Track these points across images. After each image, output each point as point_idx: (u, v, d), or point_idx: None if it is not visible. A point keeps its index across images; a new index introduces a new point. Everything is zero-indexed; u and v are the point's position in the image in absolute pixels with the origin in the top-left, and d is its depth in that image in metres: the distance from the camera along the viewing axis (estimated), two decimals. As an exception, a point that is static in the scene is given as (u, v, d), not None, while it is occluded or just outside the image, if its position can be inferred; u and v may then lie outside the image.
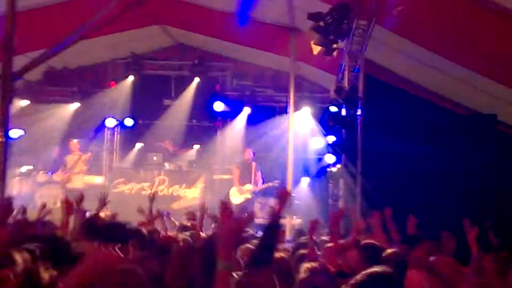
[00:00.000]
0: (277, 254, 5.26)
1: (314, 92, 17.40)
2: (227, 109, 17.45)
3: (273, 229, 4.82)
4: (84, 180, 16.03)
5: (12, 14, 8.90)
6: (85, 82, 18.30)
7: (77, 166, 15.84)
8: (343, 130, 13.01)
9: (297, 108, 15.93)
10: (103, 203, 8.17)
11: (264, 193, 15.85)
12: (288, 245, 7.89)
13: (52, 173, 16.10)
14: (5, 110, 8.62)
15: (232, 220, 4.83)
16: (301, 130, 17.13)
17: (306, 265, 4.86)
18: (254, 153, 15.87)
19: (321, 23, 10.29)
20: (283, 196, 4.82)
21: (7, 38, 8.82)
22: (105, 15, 11.89)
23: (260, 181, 15.47)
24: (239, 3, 13.23)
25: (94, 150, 16.87)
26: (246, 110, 17.71)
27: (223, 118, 17.89)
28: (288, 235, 12.69)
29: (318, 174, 16.61)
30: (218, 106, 17.24)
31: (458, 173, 11.88)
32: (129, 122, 17.86)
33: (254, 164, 15.53)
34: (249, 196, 15.20)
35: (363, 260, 5.27)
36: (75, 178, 15.84)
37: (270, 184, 15.48)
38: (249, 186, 15.24)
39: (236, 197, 15.21)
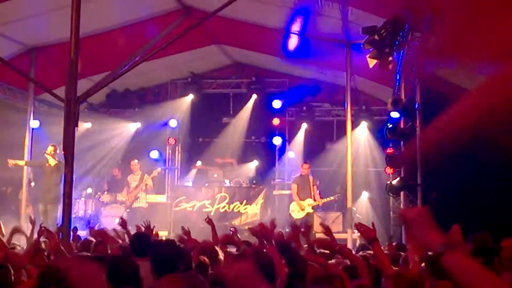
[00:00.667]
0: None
1: (372, 105, 17.37)
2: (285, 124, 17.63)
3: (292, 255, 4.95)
4: (147, 199, 16.41)
5: (75, 39, 9.18)
6: (146, 103, 18.74)
7: (141, 185, 16.23)
8: (402, 142, 12.98)
9: (354, 121, 15.93)
10: (148, 230, 8.16)
11: (324, 207, 15.87)
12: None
13: (116, 193, 16.54)
14: (70, 133, 8.90)
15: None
16: (360, 143, 17.14)
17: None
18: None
19: (376, 37, 10.35)
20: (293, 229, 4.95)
21: (71, 63, 9.12)
22: (165, 38, 12.28)
23: (318, 194, 15.41)
24: (292, 21, 13.38)
25: (157, 168, 17.22)
26: (304, 125, 17.82)
27: (281, 134, 18.02)
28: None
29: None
30: (276, 122, 17.45)
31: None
32: (188, 140, 18.26)
33: (311, 178, 15.51)
34: (310, 210, 15.17)
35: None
36: (140, 198, 16.26)
37: (331, 198, 15.49)
38: (309, 201, 15.22)
39: (297, 212, 15.23)
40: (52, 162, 14.15)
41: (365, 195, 17.01)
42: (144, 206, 16.29)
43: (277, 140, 17.86)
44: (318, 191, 15.48)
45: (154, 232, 8.41)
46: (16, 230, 8.86)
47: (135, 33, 13.97)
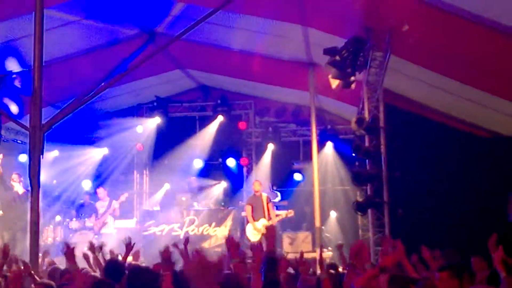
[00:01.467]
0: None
1: (337, 124, 17.60)
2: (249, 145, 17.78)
3: (270, 264, 5.03)
4: (115, 225, 16.33)
5: (39, 67, 9.19)
6: (112, 128, 18.69)
7: (109, 210, 16.16)
8: (367, 160, 13.14)
9: (320, 140, 16.12)
10: (129, 248, 8.24)
11: (293, 227, 15.92)
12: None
13: (85, 219, 16.43)
14: (36, 161, 8.88)
15: None
16: (327, 162, 17.33)
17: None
18: (272, 186, 15.82)
19: (337, 57, 10.54)
20: (269, 232, 5.05)
21: (34, 90, 9.11)
22: (129, 63, 12.34)
23: (274, 213, 14.99)
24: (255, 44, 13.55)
25: (125, 193, 17.16)
26: (271, 146, 17.97)
27: (249, 155, 18.14)
28: (317, 268, 12.74)
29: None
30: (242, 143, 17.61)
31: (482, 196, 11.92)
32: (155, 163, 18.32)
33: (264, 196, 15.09)
34: (264, 231, 14.47)
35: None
36: (109, 223, 16.18)
37: (283, 215, 15.16)
38: (263, 221, 14.81)
39: (253, 235, 14.87)
40: (20, 190, 14.03)
41: (333, 214, 17.16)
42: (113, 231, 16.19)
43: (244, 162, 17.97)
44: (274, 209, 15.17)
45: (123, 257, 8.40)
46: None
47: (100, 59, 13.98)
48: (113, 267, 6.57)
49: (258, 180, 15.71)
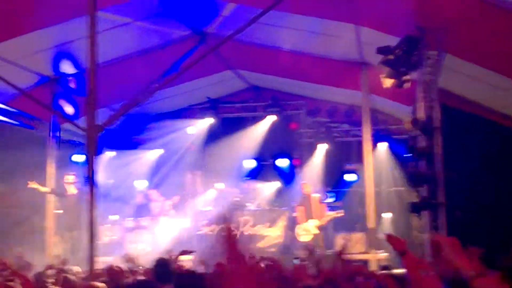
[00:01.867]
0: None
1: (390, 124, 17.36)
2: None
3: None
4: (169, 225, 16.49)
5: (93, 69, 9.34)
6: (164, 129, 18.90)
7: (163, 211, 16.37)
8: (422, 161, 12.91)
9: (374, 141, 15.92)
10: (185, 252, 8.26)
11: (346, 228, 15.77)
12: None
13: (139, 219, 16.66)
14: (92, 162, 9.02)
15: None
16: (380, 163, 17.11)
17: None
18: (324, 188, 15.76)
19: (391, 56, 10.38)
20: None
21: (89, 92, 9.27)
22: (181, 64, 12.44)
23: (325, 213, 15.09)
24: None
25: (179, 194, 17.33)
26: (323, 146, 17.83)
27: (301, 156, 18.05)
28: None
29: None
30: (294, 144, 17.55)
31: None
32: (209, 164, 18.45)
33: (315, 197, 15.24)
34: (316, 231, 14.89)
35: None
36: (162, 223, 16.36)
37: (333, 215, 15.17)
38: (314, 222, 14.97)
39: (304, 236, 15.03)
40: (73, 190, 14.29)
41: (387, 215, 16.93)
42: (167, 231, 16.37)
43: (296, 162, 17.91)
44: (326, 210, 15.22)
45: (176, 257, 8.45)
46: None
47: (151, 60, 14.14)
48: (162, 268, 6.63)
49: (306, 182, 15.78)
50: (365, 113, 14.56)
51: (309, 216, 15.03)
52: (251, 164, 18.51)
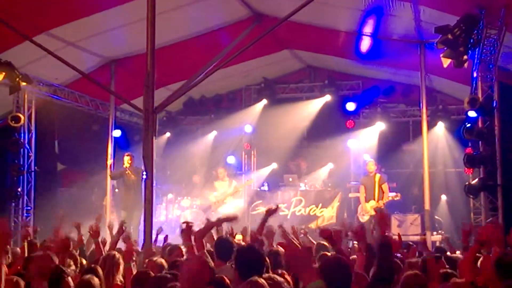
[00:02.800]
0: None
1: (448, 104, 17.08)
2: (358, 126, 17.57)
3: (384, 248, 4.98)
4: (226, 204, 16.75)
5: (151, 51, 9.52)
6: (222, 109, 19.10)
7: (230, 191, 16.62)
8: (480, 142, 12.71)
9: (431, 121, 15.72)
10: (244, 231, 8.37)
11: (402, 209, 15.66)
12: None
13: (194, 198, 16.94)
14: (149, 142, 9.23)
15: None
16: (437, 144, 16.88)
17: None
18: (380, 168, 15.65)
19: (449, 36, 10.20)
20: (382, 219, 4.99)
21: (147, 74, 9.45)
22: (238, 45, 12.53)
23: (387, 194, 14.95)
24: (364, 23, 13.36)
25: (234, 174, 17.55)
26: (379, 126, 17.68)
27: (355, 136, 17.94)
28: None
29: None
30: (350, 124, 17.41)
31: None
32: (263, 144, 18.59)
33: (378, 177, 15.09)
34: (373, 213, 14.70)
35: (498, 274, 5.18)
36: (226, 203, 16.65)
37: (390, 197, 15.00)
38: (372, 203, 14.90)
39: (362, 216, 15.04)
40: (131, 170, 14.60)
41: (444, 197, 16.74)
42: (225, 210, 16.63)
43: (351, 143, 17.83)
44: (388, 190, 15.06)
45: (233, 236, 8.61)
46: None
47: (209, 41, 14.28)
48: (223, 245, 6.77)
49: (372, 160, 15.60)
50: (422, 93, 14.37)
51: (369, 196, 14.99)
52: (306, 144, 18.52)
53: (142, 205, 10.58)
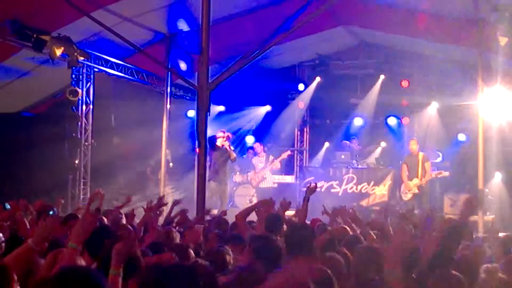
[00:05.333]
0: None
1: (505, 83, 16.65)
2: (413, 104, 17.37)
3: (456, 231, 4.96)
4: (274, 179, 16.88)
5: (206, 27, 9.62)
6: (275, 86, 19.13)
7: (268, 166, 16.73)
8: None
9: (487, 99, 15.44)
10: (284, 205, 8.33)
11: (455, 188, 15.49)
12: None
13: (247, 174, 17.10)
14: (203, 118, 9.38)
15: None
16: (493, 121, 16.56)
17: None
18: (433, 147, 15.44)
19: (507, 14, 10.00)
20: (469, 203, 4.96)
21: (202, 50, 9.57)
22: (293, 21, 12.50)
23: (429, 172, 14.79)
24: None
25: (287, 151, 17.61)
26: (434, 105, 17.45)
27: (409, 114, 17.77)
28: (480, 232, 12.45)
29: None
30: (404, 103, 17.23)
31: None
32: (317, 122, 18.58)
33: (421, 155, 14.93)
34: (416, 191, 14.69)
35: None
36: (267, 178, 16.76)
37: (433, 175, 14.85)
38: (415, 181, 14.75)
39: (405, 194, 14.94)
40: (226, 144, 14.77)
41: (498, 176, 16.45)
42: (272, 186, 16.76)
43: (405, 121, 17.67)
44: (432, 169, 14.90)
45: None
46: (177, 202, 9.47)
47: (263, 18, 14.28)
48: (272, 220, 6.92)
49: (415, 139, 15.45)
50: (479, 72, 14.11)
51: (413, 174, 14.85)
52: (360, 122, 18.46)
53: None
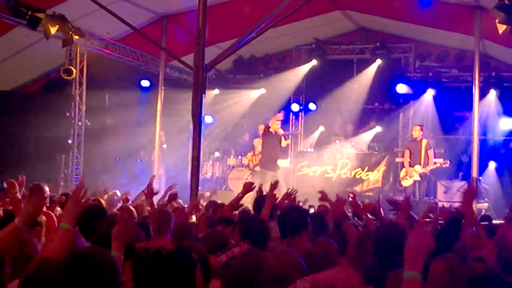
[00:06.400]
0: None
1: (501, 71, 16.66)
2: (410, 91, 17.26)
3: (455, 223, 4.95)
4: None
5: (203, 8, 9.53)
6: (271, 69, 19.05)
7: None
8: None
9: (484, 88, 15.41)
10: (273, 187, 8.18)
11: (449, 176, 15.50)
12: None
13: (241, 157, 17.04)
14: (198, 100, 9.31)
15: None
16: (488, 111, 16.56)
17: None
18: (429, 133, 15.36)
19: (506, 1, 9.91)
20: (468, 194, 4.92)
21: (199, 31, 9.48)
22: (290, 4, 12.39)
23: (432, 160, 14.59)
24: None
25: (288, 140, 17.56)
26: (430, 92, 17.37)
27: (405, 100, 17.69)
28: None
29: (506, 156, 15.99)
30: (401, 88, 17.14)
31: None
32: (312, 106, 18.47)
33: (425, 142, 14.72)
34: (417, 178, 14.55)
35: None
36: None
37: (438, 164, 14.64)
38: (418, 168, 14.57)
39: (405, 180, 14.76)
40: (280, 131, 14.65)
41: (492, 165, 16.48)
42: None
43: (401, 106, 17.62)
44: (434, 157, 14.70)
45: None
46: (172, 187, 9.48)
47: (260, 0, 14.17)
48: (258, 202, 6.99)
49: (419, 125, 15.26)
50: (476, 59, 14.08)
51: (415, 161, 14.69)
52: (355, 107, 18.37)
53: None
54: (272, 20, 11.72)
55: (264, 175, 14.45)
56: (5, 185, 6.45)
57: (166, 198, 8.60)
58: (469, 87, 15.31)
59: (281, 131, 14.73)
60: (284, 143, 14.88)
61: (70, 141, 14.55)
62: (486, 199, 14.74)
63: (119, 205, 8.37)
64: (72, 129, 14.65)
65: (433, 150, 14.83)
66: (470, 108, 14.84)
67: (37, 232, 5.43)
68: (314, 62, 18.27)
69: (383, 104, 18.04)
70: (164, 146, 16.67)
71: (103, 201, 8.20)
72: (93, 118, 15.35)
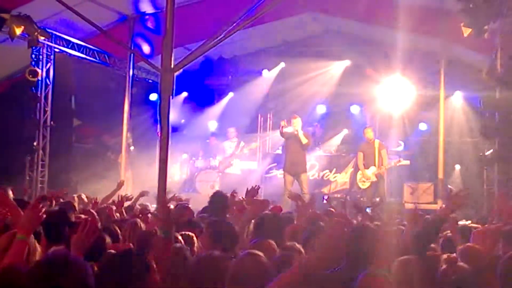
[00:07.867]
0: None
1: (466, 74, 16.87)
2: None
3: (435, 224, 4.99)
4: (240, 166, 16.83)
5: (171, 9, 9.46)
6: (239, 71, 19.06)
7: (237, 152, 16.68)
8: (496, 113, 12.63)
9: (449, 90, 15.60)
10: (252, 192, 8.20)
11: (415, 177, 15.66)
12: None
13: (210, 159, 17.02)
14: (166, 102, 9.24)
15: None
16: (454, 113, 16.78)
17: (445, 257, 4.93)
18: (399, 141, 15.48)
19: (471, 5, 10.08)
20: (454, 201, 4.97)
21: (166, 32, 9.42)
22: (259, 6, 12.40)
23: (386, 160, 14.60)
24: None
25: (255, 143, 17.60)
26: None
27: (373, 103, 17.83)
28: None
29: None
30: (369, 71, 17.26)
31: None
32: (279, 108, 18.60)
33: (377, 142, 14.73)
34: (374, 179, 14.49)
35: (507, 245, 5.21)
36: (233, 164, 16.71)
37: (393, 164, 14.76)
38: (372, 169, 14.55)
39: (362, 183, 14.73)
40: (301, 134, 14.34)
41: (458, 166, 16.71)
42: (237, 173, 16.72)
43: (367, 109, 17.75)
44: (388, 157, 14.75)
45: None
46: (144, 193, 9.49)
47: (229, 2, 14.16)
48: (218, 201, 7.02)
49: (370, 127, 15.43)
50: (441, 62, 14.25)
51: (369, 162, 14.68)
52: (322, 109, 18.49)
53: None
54: (241, 22, 11.74)
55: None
56: None
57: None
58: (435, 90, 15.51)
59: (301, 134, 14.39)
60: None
61: (35, 143, 14.34)
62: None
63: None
64: (38, 131, 14.45)
65: (387, 149, 14.86)
66: (435, 110, 15.03)
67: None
68: (282, 64, 18.33)
69: (350, 106, 18.16)
70: (132, 148, 16.54)
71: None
72: (59, 119, 15.14)
